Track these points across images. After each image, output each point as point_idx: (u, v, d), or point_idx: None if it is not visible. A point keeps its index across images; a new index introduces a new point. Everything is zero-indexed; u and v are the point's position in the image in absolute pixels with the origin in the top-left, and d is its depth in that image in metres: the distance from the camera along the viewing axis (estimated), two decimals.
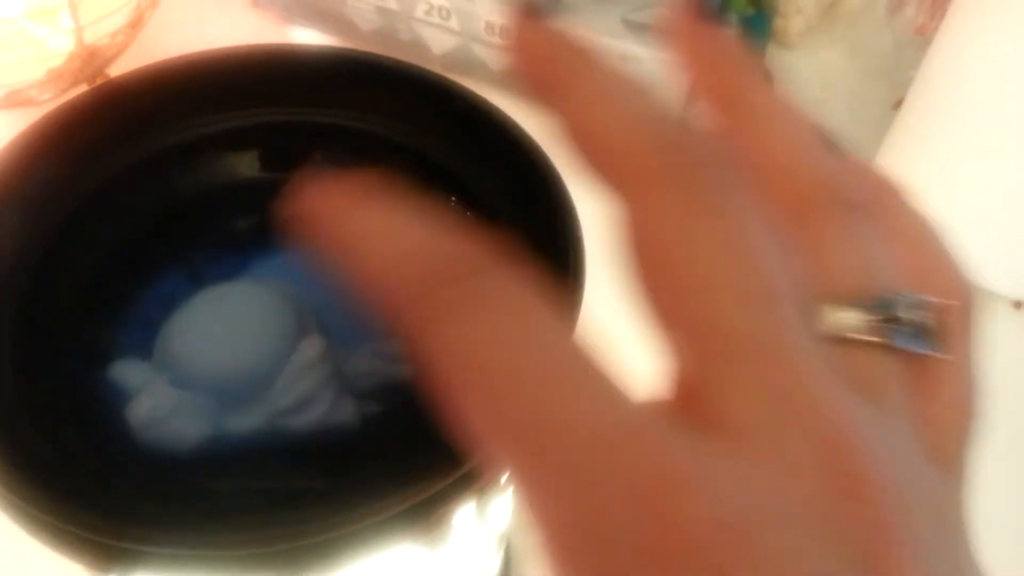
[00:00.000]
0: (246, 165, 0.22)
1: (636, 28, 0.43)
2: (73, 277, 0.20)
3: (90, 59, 0.41)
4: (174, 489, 0.17)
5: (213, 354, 0.18)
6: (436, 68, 0.46)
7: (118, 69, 0.44)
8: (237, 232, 0.21)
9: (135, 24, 0.43)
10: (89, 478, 0.16)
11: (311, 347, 0.18)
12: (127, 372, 0.18)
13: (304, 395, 0.17)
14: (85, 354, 0.18)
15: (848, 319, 0.12)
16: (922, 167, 0.41)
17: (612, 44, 0.43)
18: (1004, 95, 0.36)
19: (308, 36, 0.49)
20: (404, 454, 0.17)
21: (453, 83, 0.22)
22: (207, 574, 0.16)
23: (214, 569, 0.16)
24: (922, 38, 0.41)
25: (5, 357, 0.17)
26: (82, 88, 0.43)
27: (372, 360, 0.19)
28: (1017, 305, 0.42)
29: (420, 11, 0.45)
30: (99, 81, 0.43)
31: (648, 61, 0.43)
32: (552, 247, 0.19)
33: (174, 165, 0.21)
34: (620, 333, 0.41)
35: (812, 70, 0.51)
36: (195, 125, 0.21)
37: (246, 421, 0.17)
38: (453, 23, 0.45)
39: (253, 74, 0.22)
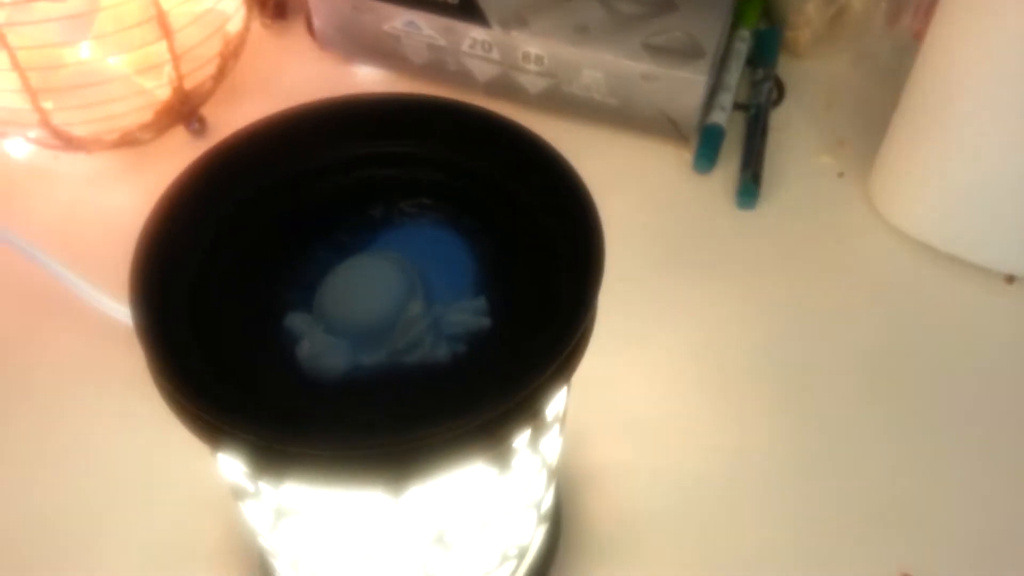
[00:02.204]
0: (359, 181, 0.28)
1: (655, 51, 0.49)
2: (249, 251, 0.27)
3: (186, 102, 0.49)
4: (317, 410, 0.23)
5: (351, 309, 0.24)
6: (480, 94, 0.52)
7: (207, 109, 0.51)
8: (367, 218, 0.28)
9: (222, 71, 0.50)
10: (255, 401, 0.23)
11: (417, 304, 0.24)
12: (295, 322, 0.24)
13: (412, 340, 0.24)
14: (263, 309, 0.25)
15: None
16: (919, 156, 0.45)
17: (634, 66, 0.49)
18: (986, 87, 0.41)
19: (367, 71, 0.55)
20: (479, 384, 0.23)
21: (496, 115, 0.28)
22: (337, 477, 0.22)
23: (342, 470, 0.22)
24: (919, 42, 0.46)
25: (192, 316, 0.24)
26: (178, 127, 0.51)
27: (462, 313, 0.25)
28: (1009, 280, 0.46)
29: (465, 45, 0.51)
30: (193, 120, 0.50)
31: (666, 79, 0.49)
32: (577, 239, 0.25)
33: (315, 180, 0.28)
34: (634, 307, 0.48)
35: (821, 77, 0.56)
36: (314, 156, 0.28)
37: (372, 359, 0.24)
38: (495, 54, 0.51)
39: (352, 117, 0.29)
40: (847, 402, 0.42)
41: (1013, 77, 0.40)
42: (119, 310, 0.41)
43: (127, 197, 0.48)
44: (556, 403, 0.27)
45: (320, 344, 0.25)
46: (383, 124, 0.29)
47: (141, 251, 0.24)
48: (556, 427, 0.28)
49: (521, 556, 0.32)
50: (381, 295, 0.25)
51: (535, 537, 0.32)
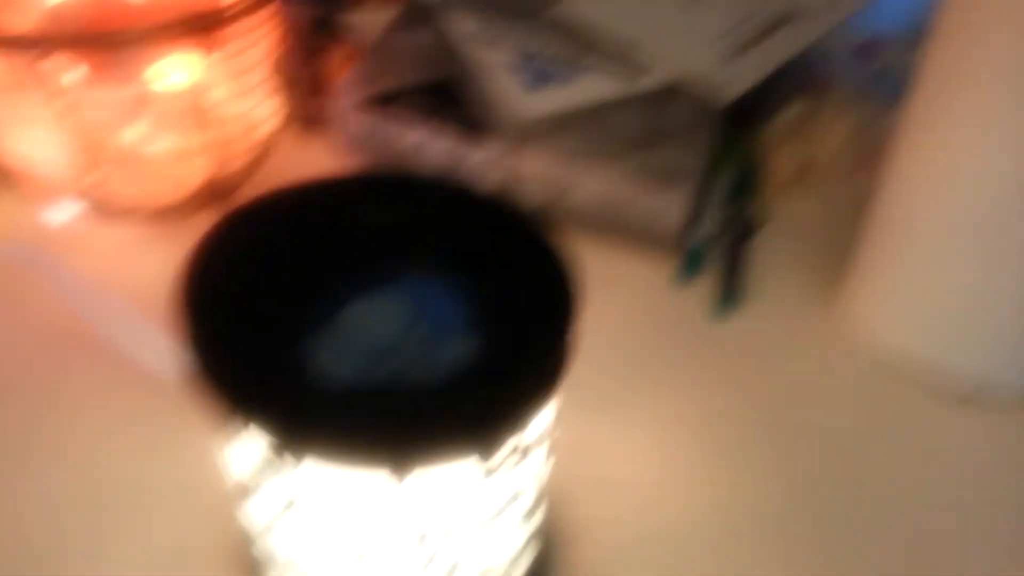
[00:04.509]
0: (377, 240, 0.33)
1: (642, 174, 0.54)
2: (282, 288, 0.30)
3: (221, 188, 0.53)
4: (331, 404, 0.26)
5: (362, 334, 0.28)
6: None
7: (239, 196, 0.56)
8: (379, 265, 0.31)
9: (255, 164, 0.55)
10: (282, 394, 0.26)
11: (419, 335, 0.28)
12: (315, 342, 0.28)
13: (412, 360, 0.27)
14: (292, 331, 0.28)
15: None
16: (880, 280, 0.50)
17: (623, 186, 0.54)
18: (929, 222, 0.47)
19: None
20: (471, 399, 0.26)
21: (488, 194, 0.33)
22: (349, 452, 0.25)
23: (354, 444, 0.24)
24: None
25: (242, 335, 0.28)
26: (211, 210, 0.55)
27: (457, 345, 0.28)
28: (971, 398, 0.50)
29: (474, 160, 0.57)
30: (225, 205, 0.55)
31: (651, 200, 0.54)
32: (554, 282, 0.29)
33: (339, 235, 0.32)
34: (615, 397, 0.51)
35: (794, 216, 0.62)
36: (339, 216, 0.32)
37: (378, 374, 0.27)
38: (499, 170, 0.56)
39: (371, 189, 0.33)
40: (806, 499, 0.44)
41: (949, 211, 0.46)
42: (148, 351, 0.44)
43: (160, 264, 0.52)
44: (539, 421, 0.29)
45: (335, 360, 0.28)
46: (398, 196, 0.34)
47: (186, 278, 0.28)
48: (542, 450, 0.31)
49: None
50: (389, 323, 0.29)
51: (517, 565, 0.34)
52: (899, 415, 0.49)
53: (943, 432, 0.49)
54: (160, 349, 0.44)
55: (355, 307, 0.28)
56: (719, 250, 0.58)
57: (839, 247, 0.56)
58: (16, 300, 0.49)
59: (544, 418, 0.30)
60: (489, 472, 0.28)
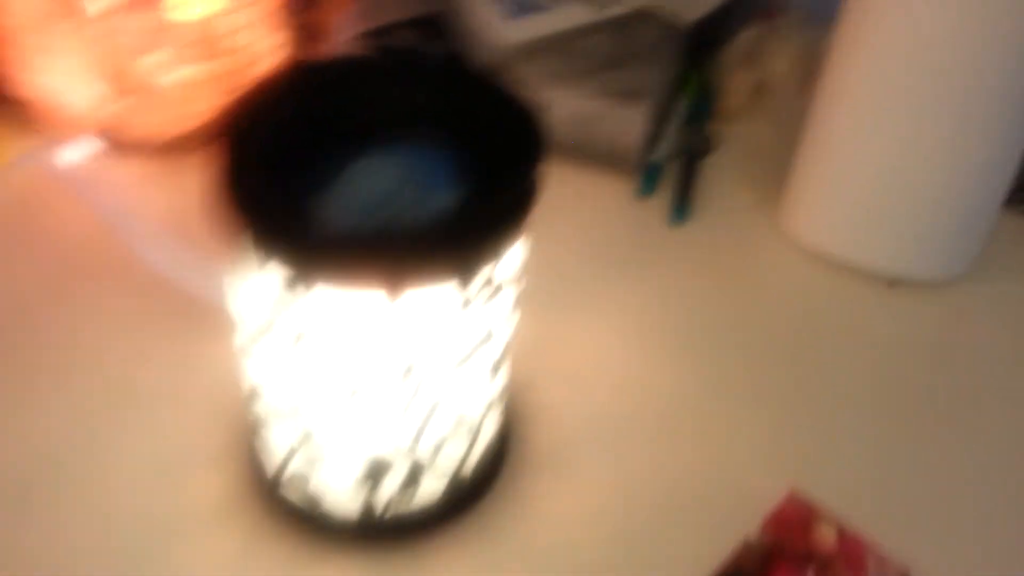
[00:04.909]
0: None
1: (607, 94, 0.61)
2: (297, 152, 0.36)
3: None
4: (336, 238, 0.32)
5: (363, 186, 0.34)
6: None
7: None
8: (379, 133, 0.37)
9: None
10: (296, 230, 0.32)
11: (410, 186, 0.34)
12: (326, 194, 0.34)
13: (403, 209, 0.34)
14: (306, 186, 0.35)
15: None
16: (814, 183, 0.57)
17: (590, 104, 0.61)
18: (857, 130, 0.53)
19: None
20: (452, 230, 0.33)
21: (478, 67, 0.39)
22: (353, 272, 0.31)
23: (357, 264, 0.31)
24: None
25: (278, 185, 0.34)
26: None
27: (442, 194, 0.35)
28: (891, 283, 0.57)
29: None
30: None
31: (614, 117, 0.60)
32: (522, 134, 0.35)
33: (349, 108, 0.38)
34: (582, 293, 0.57)
35: (746, 136, 0.68)
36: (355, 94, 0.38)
37: (375, 220, 0.34)
38: None
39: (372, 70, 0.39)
40: (746, 371, 0.52)
41: (875, 119, 0.52)
42: (176, 266, 0.50)
43: (171, 197, 0.57)
44: (510, 259, 0.36)
45: (341, 209, 0.34)
46: (390, 76, 0.40)
47: (224, 133, 0.35)
48: (510, 295, 0.37)
49: (473, 434, 0.40)
50: (385, 180, 0.35)
51: (486, 421, 0.41)
52: (832, 302, 0.56)
53: (871, 315, 0.55)
54: (186, 265, 0.50)
55: (357, 167, 0.35)
56: (677, 167, 0.64)
57: (786, 161, 0.62)
58: (42, 222, 0.55)
59: (514, 257, 0.37)
60: (467, 302, 0.34)
